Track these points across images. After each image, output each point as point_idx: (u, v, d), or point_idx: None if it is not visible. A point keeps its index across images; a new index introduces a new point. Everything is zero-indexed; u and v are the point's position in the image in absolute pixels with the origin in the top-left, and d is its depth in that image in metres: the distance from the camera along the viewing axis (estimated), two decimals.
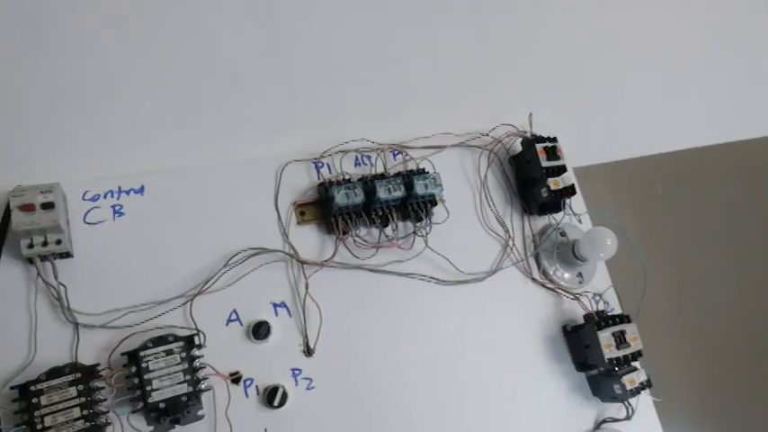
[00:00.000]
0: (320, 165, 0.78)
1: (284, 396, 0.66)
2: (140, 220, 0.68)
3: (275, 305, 0.70)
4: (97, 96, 0.70)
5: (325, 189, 0.74)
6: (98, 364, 0.60)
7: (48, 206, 0.60)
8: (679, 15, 1.10)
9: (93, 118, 0.70)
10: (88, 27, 0.69)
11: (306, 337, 0.70)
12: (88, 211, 0.66)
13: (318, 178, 0.77)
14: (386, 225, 0.76)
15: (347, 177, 0.75)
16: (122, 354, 0.60)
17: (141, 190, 0.69)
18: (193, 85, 0.76)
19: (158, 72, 0.74)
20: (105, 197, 0.68)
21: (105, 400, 0.59)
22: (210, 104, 0.76)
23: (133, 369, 0.59)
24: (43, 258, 0.62)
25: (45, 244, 0.61)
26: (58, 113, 0.69)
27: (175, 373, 0.60)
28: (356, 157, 0.79)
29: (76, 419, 0.56)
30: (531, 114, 0.86)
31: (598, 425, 0.79)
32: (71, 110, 0.68)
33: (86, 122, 0.70)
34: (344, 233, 0.73)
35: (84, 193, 0.67)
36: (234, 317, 0.68)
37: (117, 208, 0.68)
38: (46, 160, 0.67)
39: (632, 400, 0.78)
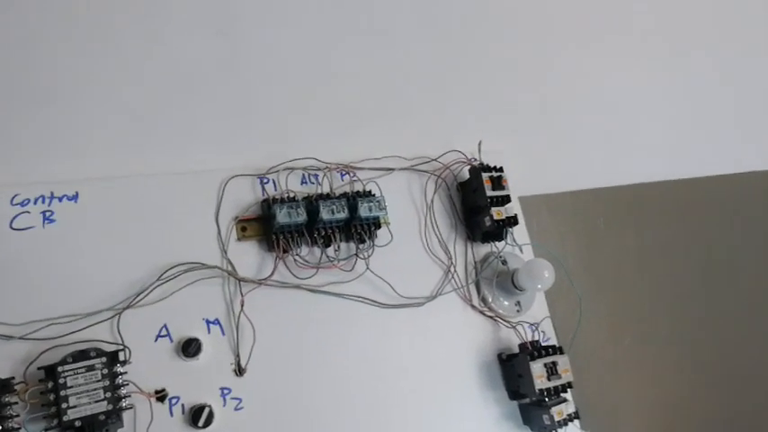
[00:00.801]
0: (266, 181, 0.77)
1: (210, 416, 0.65)
2: (72, 228, 0.66)
3: (208, 322, 0.69)
4: (33, 97, 0.67)
5: (268, 206, 0.73)
6: (12, 378, 0.57)
7: None
8: (629, 51, 1.14)
9: (28, 119, 0.68)
10: (28, 24, 0.67)
11: (238, 355, 0.69)
12: (15, 217, 0.64)
13: (263, 194, 0.76)
14: (328, 245, 0.75)
15: (292, 195, 0.74)
16: (39, 368, 0.57)
17: (75, 197, 0.67)
18: (139, 91, 0.74)
19: (102, 75, 0.72)
20: (36, 203, 0.65)
21: (17, 416, 0.56)
22: (155, 112, 0.74)
23: (50, 385, 0.57)
24: None
25: None
26: None
27: (95, 390, 0.58)
28: (303, 175, 0.79)
29: None
30: (480, 142, 0.87)
31: None
32: (3, 109, 0.66)
33: (20, 124, 0.67)
34: (285, 252, 0.73)
35: (13, 198, 0.64)
36: (164, 332, 0.66)
37: (47, 214, 0.65)
38: None
39: (561, 431, 0.79)
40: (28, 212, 0.65)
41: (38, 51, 0.67)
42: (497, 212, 0.81)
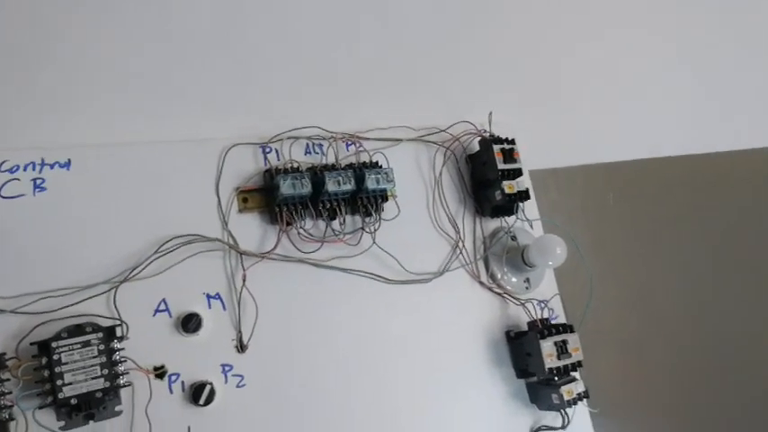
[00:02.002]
0: (268, 150, 0.73)
1: (211, 393, 0.62)
2: (64, 197, 0.62)
3: (209, 297, 0.66)
4: (24, 59, 0.63)
5: (270, 176, 0.70)
6: (4, 353, 0.54)
7: None
8: (643, 24, 1.10)
9: (18, 82, 0.64)
10: None
11: (240, 331, 0.66)
12: (5, 184, 0.60)
13: (265, 164, 0.73)
14: (333, 218, 0.72)
15: (295, 166, 0.71)
16: (32, 343, 0.55)
17: (67, 164, 0.63)
18: (135, 53, 0.69)
19: (96, 36, 0.68)
20: (26, 169, 0.62)
21: (10, 393, 0.54)
22: (153, 76, 0.70)
23: (44, 360, 0.54)
24: None
25: None
26: None
27: (92, 366, 0.55)
28: (307, 144, 0.75)
29: None
30: (491, 113, 0.84)
31: None
32: None
33: (9, 87, 0.63)
34: (288, 224, 0.70)
35: (2, 164, 0.61)
36: (163, 307, 0.64)
37: (38, 182, 0.62)
38: None
39: (569, 410, 0.78)
40: (18, 180, 0.61)
41: (30, 14, 0.63)
42: (509, 186, 0.78)
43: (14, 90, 0.63)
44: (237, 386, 0.65)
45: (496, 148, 0.79)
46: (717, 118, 1.19)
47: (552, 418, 0.79)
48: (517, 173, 0.79)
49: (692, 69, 1.15)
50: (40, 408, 0.54)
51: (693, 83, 1.15)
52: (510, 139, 0.81)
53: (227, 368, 0.65)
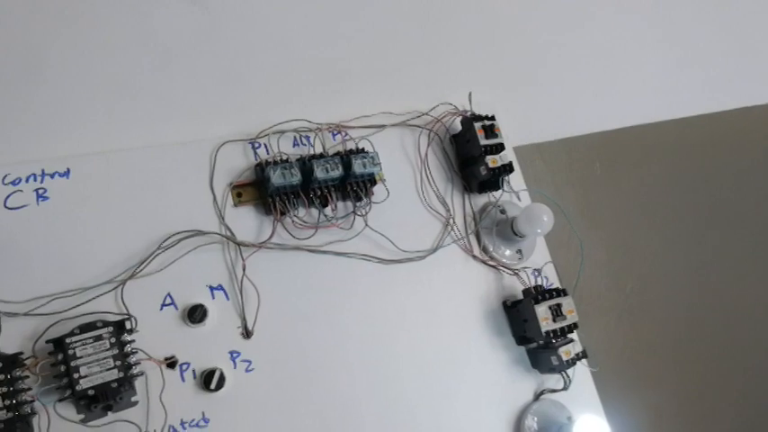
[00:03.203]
0: (257, 145, 0.76)
1: (222, 379, 0.65)
2: (66, 204, 0.66)
3: (212, 288, 0.69)
4: (17, 75, 0.66)
5: (261, 169, 0.73)
6: (21, 353, 0.57)
7: None
8: None
9: (15, 98, 0.67)
10: (11, 5, 0.66)
11: (244, 319, 0.69)
12: (9, 196, 0.64)
13: (255, 159, 0.76)
14: (325, 205, 0.75)
15: (284, 157, 0.74)
16: (47, 341, 0.58)
17: (67, 173, 0.67)
18: (123, 63, 0.73)
19: (85, 49, 0.71)
20: (27, 181, 0.65)
21: (30, 389, 0.57)
22: (141, 84, 0.74)
23: (59, 356, 0.57)
24: None
25: None
26: None
27: (105, 359, 0.58)
28: (294, 137, 0.78)
29: None
30: (470, 93, 0.87)
31: (537, 396, 0.81)
32: None
33: (7, 103, 0.66)
34: (282, 214, 0.73)
35: (5, 177, 0.64)
36: (168, 301, 0.67)
37: (41, 192, 0.65)
38: None
39: (569, 371, 0.80)
40: (21, 191, 0.64)
41: (21, 31, 0.66)
42: (492, 161, 0.81)
43: (11, 106, 0.66)
44: (246, 371, 0.68)
45: (477, 125, 0.82)
46: (696, 79, 1.21)
47: (555, 381, 0.82)
48: (499, 147, 0.82)
49: (667, 35, 1.17)
50: (60, 401, 0.57)
51: (668, 48, 1.17)
52: (490, 115, 0.83)
53: (234, 354, 0.68)
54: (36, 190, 0.65)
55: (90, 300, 0.63)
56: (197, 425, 0.64)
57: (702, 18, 1.21)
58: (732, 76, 1.25)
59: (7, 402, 0.54)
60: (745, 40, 1.25)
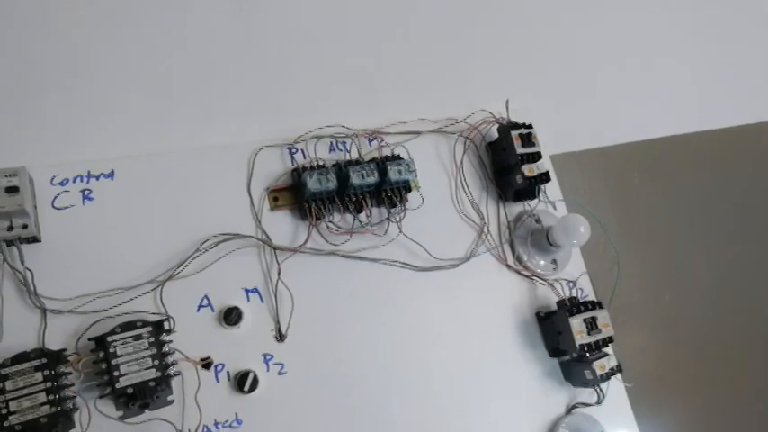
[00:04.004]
0: (294, 150, 0.77)
1: (255, 381, 0.66)
2: (110, 205, 0.67)
3: (247, 291, 0.70)
4: (66, 79, 0.69)
5: (298, 175, 0.73)
6: (65, 349, 0.59)
7: (12, 190, 0.59)
8: (656, 2, 1.10)
9: (63, 101, 0.70)
10: (56, 7, 0.68)
11: (278, 322, 0.70)
12: (57, 196, 0.66)
13: (292, 164, 0.76)
14: (360, 211, 0.75)
15: (321, 163, 0.75)
16: (90, 339, 0.59)
17: (111, 175, 0.69)
18: (166, 68, 0.75)
19: (130, 55, 0.73)
20: (74, 182, 0.67)
21: (72, 385, 0.59)
22: (183, 89, 0.76)
23: (101, 354, 0.59)
24: (9, 243, 0.61)
25: (11, 228, 0.60)
26: (26, 96, 0.68)
27: (144, 358, 0.60)
28: (331, 142, 0.79)
29: (42, 404, 0.56)
30: (507, 101, 0.86)
31: (570, 410, 0.80)
32: (39, 92, 0.68)
33: (55, 106, 0.69)
34: (318, 219, 0.73)
35: (53, 178, 0.66)
36: (205, 302, 0.68)
37: (86, 193, 0.67)
38: (12, 144, 0.66)
39: (603, 386, 0.78)
40: (68, 191, 0.66)
41: (66, 33, 0.69)
42: (529, 170, 0.80)
43: (59, 109, 0.69)
44: (279, 373, 0.69)
45: (514, 133, 0.81)
46: (736, 90, 1.17)
47: (588, 395, 0.80)
48: (536, 156, 0.81)
49: (708, 43, 1.14)
50: (101, 397, 0.59)
51: (712, 57, 1.14)
52: (527, 123, 0.83)
53: (268, 357, 0.69)
54: (82, 191, 0.67)
55: (131, 299, 0.64)
56: (230, 426, 0.65)
57: (746, 26, 1.18)
58: None
59: (51, 397, 0.56)
60: None
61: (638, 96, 1.07)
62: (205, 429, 0.64)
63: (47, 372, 0.56)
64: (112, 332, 0.60)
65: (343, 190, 0.74)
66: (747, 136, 1.16)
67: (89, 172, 0.68)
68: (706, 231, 1.08)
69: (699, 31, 1.12)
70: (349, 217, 0.76)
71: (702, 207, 1.09)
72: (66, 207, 0.66)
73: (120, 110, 0.72)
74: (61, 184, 0.66)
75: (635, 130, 1.06)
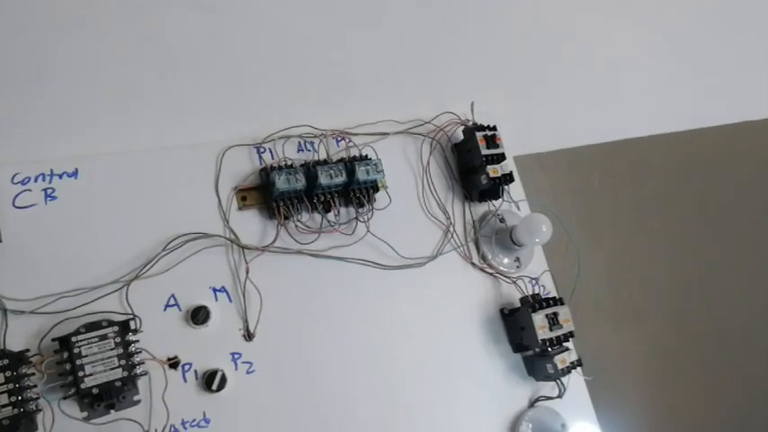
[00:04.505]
0: (262, 150, 0.78)
1: (223, 380, 0.66)
2: (74, 205, 0.67)
3: (215, 290, 0.70)
4: (27, 75, 0.68)
5: (266, 174, 0.74)
6: (27, 350, 0.58)
7: None
8: (622, 6, 1.14)
9: (25, 98, 0.68)
10: (20, 3, 0.67)
11: (246, 321, 0.70)
12: (17, 195, 0.64)
13: (260, 163, 0.77)
14: (328, 211, 0.76)
15: (289, 163, 0.75)
16: (53, 339, 0.59)
17: (75, 173, 0.68)
18: (131, 66, 0.74)
19: (94, 52, 0.72)
20: (36, 180, 0.66)
21: (35, 386, 0.58)
22: (149, 87, 0.75)
23: (65, 355, 0.58)
24: None
25: None
26: None
27: (109, 358, 0.59)
28: (299, 142, 0.79)
29: (4, 406, 0.55)
30: (473, 103, 0.88)
31: (532, 403, 0.82)
32: (0, 89, 0.66)
33: (16, 103, 0.68)
34: (286, 218, 0.74)
35: (14, 176, 0.65)
36: (172, 302, 0.68)
37: (49, 191, 0.66)
38: None
39: (564, 379, 0.81)
40: (29, 190, 0.65)
41: (30, 30, 0.67)
42: (493, 170, 0.82)
43: (21, 106, 0.68)
44: (247, 372, 0.69)
45: (479, 135, 0.83)
46: (695, 93, 1.22)
47: (550, 389, 0.83)
48: (500, 157, 0.83)
49: (668, 49, 1.19)
50: (65, 398, 0.58)
51: (670, 62, 1.19)
52: (491, 126, 0.85)
53: (236, 356, 0.69)
54: (44, 189, 0.66)
55: (95, 299, 0.64)
56: (198, 425, 0.65)
57: (704, 32, 1.23)
58: (732, 91, 1.27)
59: (13, 399, 0.55)
60: (745, 55, 1.27)
61: (600, 99, 1.10)
62: (172, 429, 0.63)
63: (8, 373, 0.55)
64: (77, 332, 0.59)
65: (311, 189, 0.74)
66: (706, 139, 1.21)
67: (52, 170, 0.67)
68: (664, 230, 1.13)
69: (660, 33, 1.16)
70: (317, 216, 0.76)
71: (660, 207, 1.13)
72: (28, 206, 0.65)
73: (85, 108, 0.71)
74: (23, 182, 0.65)
75: (596, 133, 1.09)
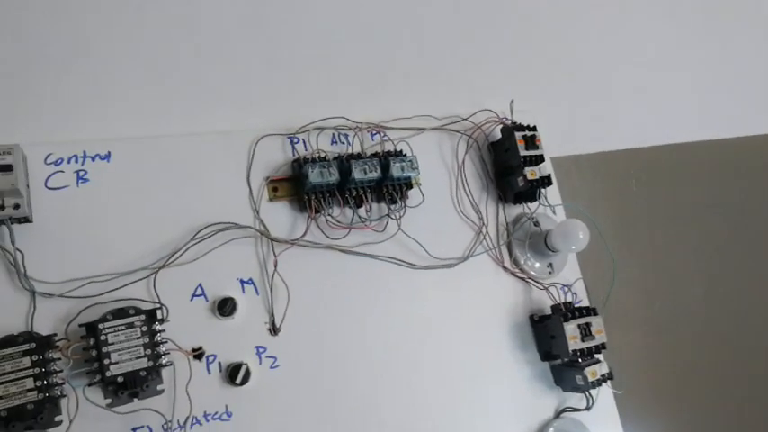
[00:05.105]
0: (296, 141, 0.76)
1: (247, 374, 0.65)
2: (105, 188, 0.66)
3: (242, 282, 0.69)
4: (65, 56, 0.67)
5: (299, 166, 0.72)
6: (54, 335, 0.58)
7: (5, 168, 0.57)
8: (668, 10, 1.10)
9: (60, 79, 0.67)
10: None
11: (272, 315, 0.69)
12: (50, 176, 0.64)
13: (293, 154, 0.75)
14: (359, 206, 0.74)
15: (323, 155, 0.73)
16: (80, 325, 0.58)
17: (108, 156, 0.67)
18: (169, 50, 0.73)
19: (131, 34, 0.71)
20: (69, 162, 0.65)
21: (61, 371, 0.57)
22: (185, 72, 0.74)
23: (91, 341, 0.57)
24: (0, 223, 0.59)
25: (2, 208, 0.58)
26: (22, 72, 0.66)
27: (135, 347, 0.59)
28: (333, 134, 0.78)
29: (29, 390, 0.54)
30: (512, 101, 0.85)
31: (558, 413, 0.80)
32: (36, 69, 0.65)
33: (52, 83, 0.67)
34: (317, 212, 0.72)
35: (47, 157, 0.64)
36: (199, 292, 0.67)
37: (81, 173, 0.65)
38: (6, 121, 0.64)
39: (593, 392, 0.79)
40: (62, 172, 0.64)
41: (68, 9, 0.66)
42: (531, 172, 0.80)
43: (54, 86, 0.67)
44: (271, 367, 0.68)
45: (518, 135, 0.81)
46: (737, 102, 1.18)
47: (577, 400, 0.81)
48: (539, 159, 0.81)
49: (714, 54, 1.15)
50: (89, 385, 0.57)
51: (715, 68, 1.15)
52: (531, 126, 0.82)
53: (261, 350, 0.68)
54: (77, 171, 0.65)
55: (123, 286, 0.63)
56: (220, 418, 0.64)
57: (748, 39, 1.18)
58: None
59: (39, 384, 0.54)
60: None
61: (641, 103, 1.07)
62: (194, 421, 0.63)
63: (35, 357, 0.55)
64: (104, 319, 0.58)
65: (344, 184, 0.73)
66: (745, 147, 1.16)
67: (85, 152, 0.66)
68: (700, 240, 1.09)
69: (703, 41, 1.12)
70: (348, 211, 0.75)
71: (697, 216, 1.10)
72: (60, 188, 0.64)
73: (120, 90, 0.70)
74: (55, 163, 0.64)
75: (635, 137, 1.06)
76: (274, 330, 0.69)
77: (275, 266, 0.69)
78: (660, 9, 1.10)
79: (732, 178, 1.15)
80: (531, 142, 0.81)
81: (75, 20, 0.67)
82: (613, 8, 1.04)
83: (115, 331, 0.58)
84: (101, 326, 0.58)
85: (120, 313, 0.59)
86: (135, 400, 0.60)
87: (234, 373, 0.65)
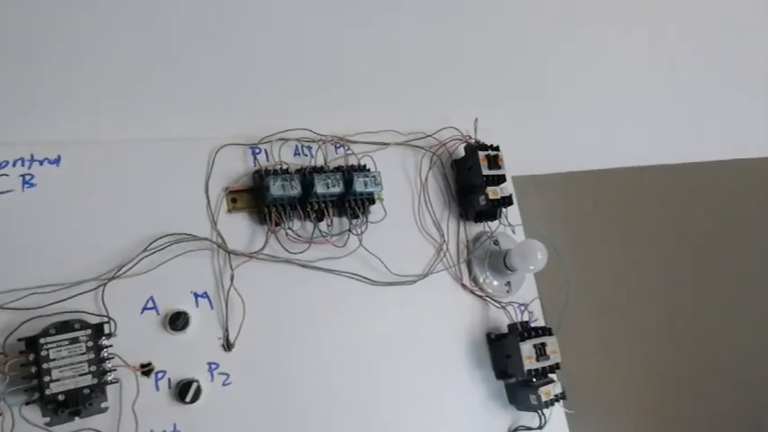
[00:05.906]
0: (258, 151, 0.74)
1: (198, 391, 0.63)
2: (53, 194, 0.62)
3: (196, 295, 0.67)
4: (14, 54, 0.63)
5: (260, 177, 0.70)
6: None
7: None
8: (624, 35, 1.13)
9: (8, 77, 0.64)
10: None
11: (226, 330, 0.67)
12: None
13: (254, 165, 0.73)
14: (321, 220, 0.73)
15: (285, 167, 0.72)
16: (20, 339, 0.55)
17: (57, 161, 0.63)
18: (126, 53, 0.70)
19: (88, 33, 0.68)
20: (15, 165, 0.61)
21: None
22: (144, 75, 0.71)
23: (31, 357, 0.54)
24: None
25: None
26: None
27: (79, 363, 0.56)
28: (296, 146, 0.76)
29: None
30: (476, 120, 0.86)
31: None
32: None
33: None
34: (277, 225, 0.71)
35: None
36: (150, 305, 0.64)
37: (27, 178, 0.62)
38: None
39: (546, 411, 0.80)
40: (6, 175, 0.61)
41: (21, 8, 0.63)
42: (493, 192, 0.80)
43: (4, 86, 0.63)
44: (223, 384, 0.66)
45: (482, 154, 0.81)
46: (695, 128, 1.22)
47: (530, 419, 0.81)
48: (501, 179, 0.82)
49: (669, 82, 1.19)
50: (27, 404, 0.54)
51: (675, 94, 1.19)
52: (495, 145, 0.83)
53: (213, 366, 0.66)
54: (23, 175, 0.62)
55: (69, 297, 0.60)
56: None
57: (706, 66, 1.23)
58: (729, 128, 1.27)
59: None
60: (747, 93, 1.28)
61: (601, 125, 1.09)
62: None
63: None
64: (46, 333, 0.55)
65: (305, 197, 0.71)
66: (701, 173, 1.21)
67: (32, 156, 0.62)
68: (655, 262, 1.12)
69: (664, 67, 1.15)
70: (309, 225, 0.73)
71: (653, 238, 1.13)
72: (4, 192, 0.60)
73: (73, 92, 0.67)
74: (0, 166, 0.61)
75: (594, 159, 1.08)
76: (228, 346, 0.67)
77: (231, 280, 0.68)
78: (624, 31, 1.13)
79: (686, 201, 1.19)
80: (494, 162, 0.82)
81: (28, 17, 0.63)
82: (578, 30, 1.06)
83: (58, 346, 0.55)
84: (42, 340, 0.55)
85: (63, 327, 0.56)
86: (76, 419, 0.57)
87: (184, 391, 0.62)
